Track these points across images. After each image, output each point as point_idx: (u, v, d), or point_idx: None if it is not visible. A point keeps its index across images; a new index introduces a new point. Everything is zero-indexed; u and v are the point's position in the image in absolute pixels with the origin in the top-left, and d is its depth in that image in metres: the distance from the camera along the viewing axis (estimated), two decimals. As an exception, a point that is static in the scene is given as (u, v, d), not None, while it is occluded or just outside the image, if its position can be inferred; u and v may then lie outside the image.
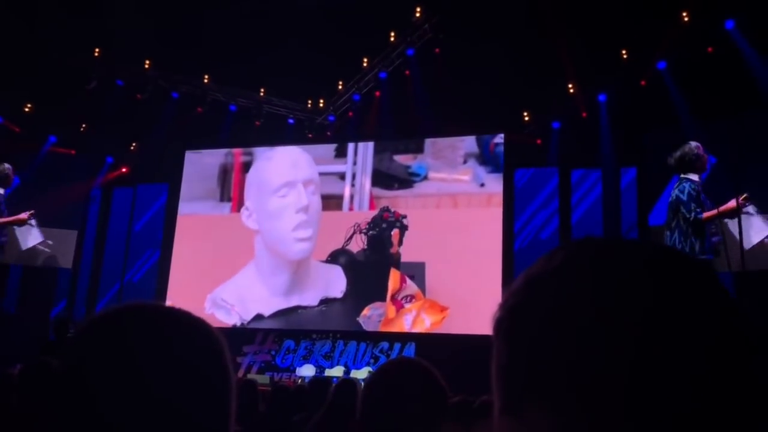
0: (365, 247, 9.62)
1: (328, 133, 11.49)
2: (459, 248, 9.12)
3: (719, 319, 0.59)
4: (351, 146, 10.25)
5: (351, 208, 9.94)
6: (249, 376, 9.01)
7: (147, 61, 11.24)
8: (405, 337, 9.15)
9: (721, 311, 0.59)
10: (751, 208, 5.92)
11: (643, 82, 9.36)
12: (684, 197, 5.80)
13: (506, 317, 0.63)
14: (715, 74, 8.40)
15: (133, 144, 11.85)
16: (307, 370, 9.28)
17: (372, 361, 9.15)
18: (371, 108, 11.24)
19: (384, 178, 9.90)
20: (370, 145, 10.17)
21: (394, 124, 10.77)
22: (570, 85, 9.81)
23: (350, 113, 11.48)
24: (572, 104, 9.91)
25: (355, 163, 10.12)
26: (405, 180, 9.80)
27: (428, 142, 9.91)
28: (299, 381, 8.62)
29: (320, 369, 9.29)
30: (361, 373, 8.80)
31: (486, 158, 9.54)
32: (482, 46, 9.39)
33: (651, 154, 9.02)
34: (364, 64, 11.08)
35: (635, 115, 9.27)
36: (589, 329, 0.57)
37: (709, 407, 0.55)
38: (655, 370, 0.55)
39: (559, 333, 0.58)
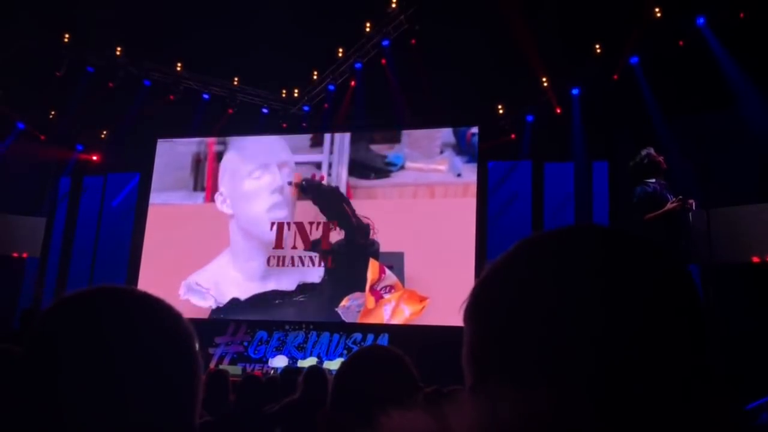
0: (343, 237, 9.59)
1: (304, 124, 11.43)
2: (437, 238, 9.15)
3: (666, 294, 0.62)
4: (327, 136, 10.22)
5: None
6: (221, 367, 8.96)
7: (118, 48, 11.06)
8: (378, 329, 9.16)
9: (667, 286, 0.63)
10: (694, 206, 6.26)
11: (615, 77, 9.45)
12: (634, 200, 6.19)
13: (472, 301, 0.67)
14: (685, 70, 8.52)
15: (104, 132, 11.67)
16: (280, 361, 9.25)
17: (345, 352, 9.15)
18: (346, 98, 11.19)
19: (360, 168, 9.88)
20: (347, 134, 10.15)
21: (368, 115, 10.75)
22: (543, 79, 9.87)
23: (325, 105, 11.42)
24: (546, 98, 9.98)
25: (331, 153, 10.08)
26: (382, 170, 9.79)
27: (405, 132, 9.91)
28: (271, 372, 8.59)
29: (293, 360, 9.27)
30: (333, 364, 8.79)
31: (463, 148, 9.57)
32: (457, 39, 9.41)
33: (622, 148, 9.13)
34: (339, 54, 11.03)
35: (608, 109, 9.36)
36: (545, 308, 0.61)
37: (660, 380, 0.58)
38: (606, 343, 0.59)
39: (519, 313, 0.62)
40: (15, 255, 10.52)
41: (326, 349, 9.31)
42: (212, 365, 9.09)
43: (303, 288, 9.56)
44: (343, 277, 9.49)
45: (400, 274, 9.25)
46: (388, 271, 9.27)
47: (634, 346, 0.58)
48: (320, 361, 9.13)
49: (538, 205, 9.59)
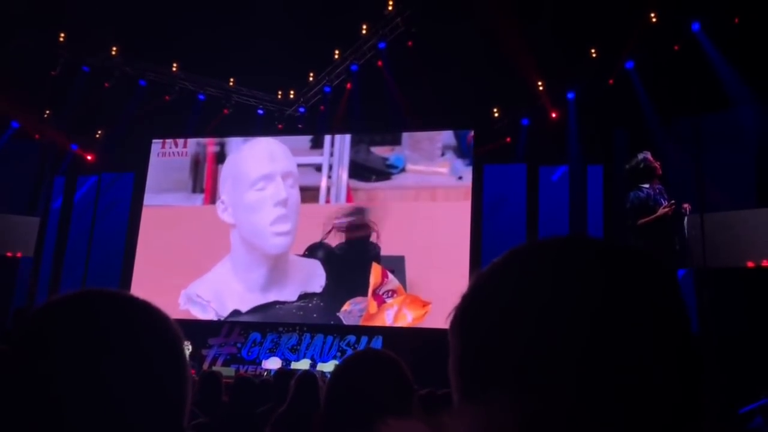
0: (344, 240, 9.52)
1: (299, 126, 11.43)
2: (438, 241, 9.08)
3: (654, 306, 0.62)
4: (328, 137, 10.11)
5: (328, 201, 9.81)
6: (214, 368, 8.94)
7: (114, 48, 11.04)
8: (372, 331, 9.14)
9: (657, 299, 0.63)
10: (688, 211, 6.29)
11: (611, 81, 9.47)
12: (627, 205, 6.20)
13: (461, 312, 0.67)
14: (680, 75, 8.55)
15: (99, 132, 11.64)
16: (273, 363, 9.23)
17: (339, 354, 9.14)
18: (342, 100, 11.20)
19: (361, 170, 9.79)
20: (347, 136, 10.05)
21: (364, 117, 10.75)
22: (539, 83, 9.89)
23: (321, 107, 11.42)
24: (541, 102, 10.00)
25: (332, 155, 9.97)
26: (382, 172, 9.70)
27: (406, 134, 9.83)
28: (265, 374, 8.58)
29: (286, 362, 9.24)
30: (327, 366, 8.78)
31: (464, 151, 9.50)
32: (453, 41, 9.43)
33: (618, 152, 9.16)
34: (336, 56, 11.03)
35: (603, 113, 9.39)
36: (538, 318, 0.61)
37: (649, 385, 0.59)
38: (594, 354, 0.59)
39: (510, 323, 0.62)
40: (9, 254, 10.49)
41: (320, 351, 9.29)
42: (205, 366, 9.07)
43: (304, 297, 9.48)
44: (345, 281, 9.40)
45: (401, 278, 9.18)
46: (390, 276, 9.18)
47: (623, 357, 0.59)
48: (314, 363, 9.11)
49: (533, 208, 9.60)
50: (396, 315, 9.07)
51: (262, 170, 9.74)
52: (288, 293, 9.54)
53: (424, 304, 9.00)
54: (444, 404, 0.62)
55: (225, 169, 10.22)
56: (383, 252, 9.34)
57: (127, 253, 10.38)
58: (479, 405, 0.59)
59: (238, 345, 9.59)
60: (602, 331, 0.59)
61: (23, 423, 0.78)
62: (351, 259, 9.44)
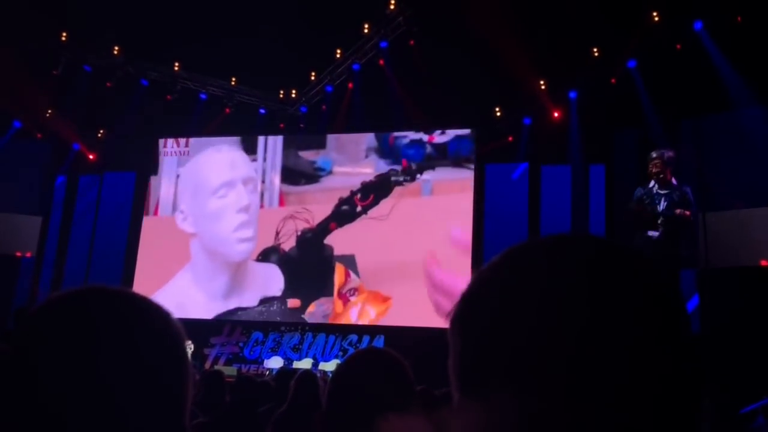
0: (296, 244, 9.65)
1: (301, 125, 11.44)
2: (384, 238, 9.26)
3: (650, 309, 0.62)
4: (261, 143, 10.24)
5: (261, 206, 9.96)
6: (216, 367, 8.94)
7: (116, 48, 11.05)
8: (374, 330, 9.16)
9: (653, 298, 0.63)
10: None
11: (613, 80, 9.46)
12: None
13: (461, 310, 0.66)
14: (683, 74, 8.54)
15: (101, 131, 11.64)
16: (275, 362, 9.24)
17: (341, 353, 9.14)
18: (344, 100, 11.20)
19: (292, 174, 9.99)
20: (279, 141, 10.21)
21: (366, 117, 10.75)
22: (541, 82, 9.88)
23: (323, 106, 11.42)
24: (543, 101, 9.99)
25: (264, 160, 10.14)
26: (311, 175, 9.91)
27: (331, 137, 10.13)
28: (267, 373, 8.59)
29: (288, 361, 9.26)
30: (329, 366, 8.79)
31: (385, 152, 9.75)
32: (455, 41, 9.42)
33: (619, 152, 9.15)
34: (338, 56, 11.03)
35: (605, 112, 9.37)
36: (533, 318, 0.61)
37: (646, 385, 0.59)
38: (590, 353, 0.59)
39: (508, 321, 0.62)
40: (18, 254, 10.52)
41: (322, 350, 9.30)
42: (207, 365, 9.08)
43: (265, 301, 9.58)
44: (303, 283, 9.55)
45: (355, 275, 9.39)
46: (352, 275, 9.38)
47: (620, 357, 0.58)
48: (316, 363, 9.12)
49: (535, 207, 9.58)
50: (360, 312, 9.29)
51: (223, 177, 9.90)
52: (249, 299, 9.66)
53: (385, 300, 9.20)
54: (440, 402, 0.62)
55: (183, 179, 10.30)
56: (336, 252, 9.51)
57: (129, 252, 10.39)
58: (479, 403, 0.59)
59: (241, 344, 9.60)
60: (598, 330, 0.59)
61: (21, 422, 0.77)
62: (305, 261, 9.59)
